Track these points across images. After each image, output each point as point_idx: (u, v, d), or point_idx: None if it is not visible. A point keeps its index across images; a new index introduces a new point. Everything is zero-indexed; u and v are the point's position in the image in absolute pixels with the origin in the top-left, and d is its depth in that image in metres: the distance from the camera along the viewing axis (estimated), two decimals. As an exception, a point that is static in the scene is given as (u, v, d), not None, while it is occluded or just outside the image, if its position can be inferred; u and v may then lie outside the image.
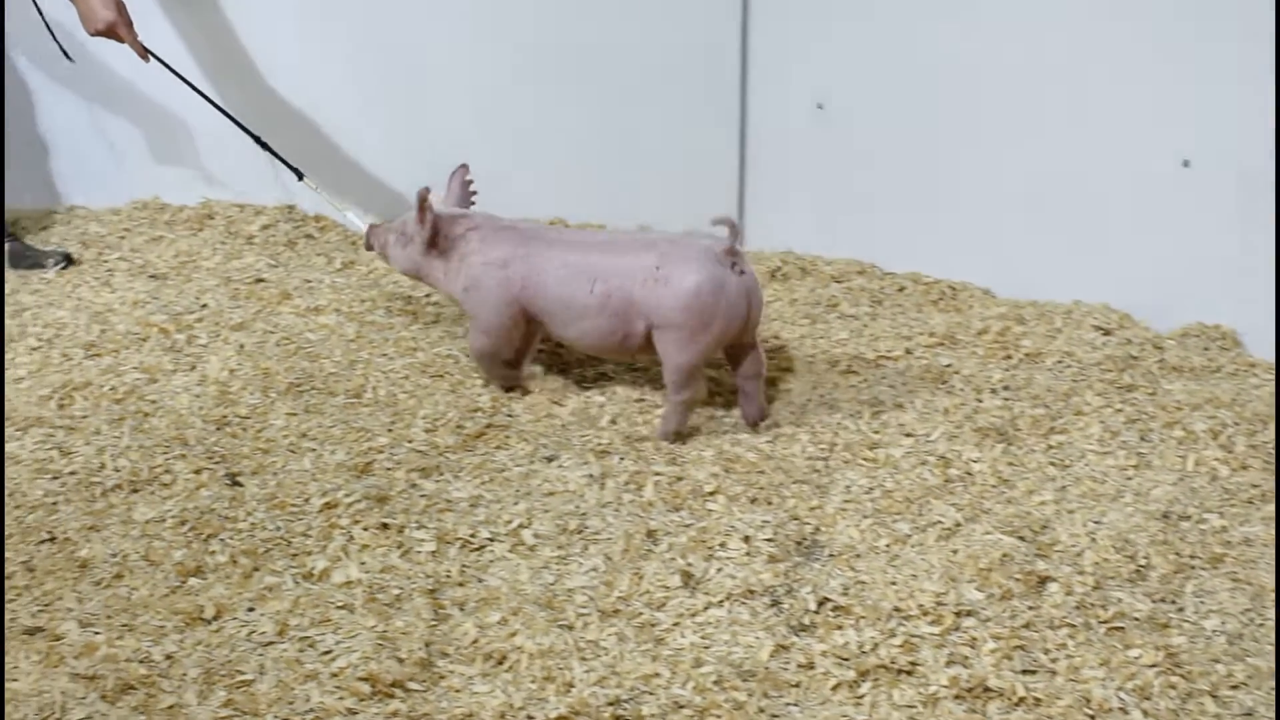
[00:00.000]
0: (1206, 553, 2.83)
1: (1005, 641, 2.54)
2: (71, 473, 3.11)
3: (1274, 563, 2.80)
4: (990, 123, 3.94)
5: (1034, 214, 3.96)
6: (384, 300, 3.98)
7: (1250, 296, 3.64)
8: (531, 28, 4.31)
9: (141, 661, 2.49)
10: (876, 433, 3.26)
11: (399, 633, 2.57)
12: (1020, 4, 3.82)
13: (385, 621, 2.60)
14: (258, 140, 4.12)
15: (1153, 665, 2.49)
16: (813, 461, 3.17)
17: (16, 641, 2.55)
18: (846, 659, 2.52)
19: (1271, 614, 2.64)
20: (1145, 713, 2.39)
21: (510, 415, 3.37)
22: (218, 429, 3.29)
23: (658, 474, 3.09)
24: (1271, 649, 2.54)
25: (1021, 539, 2.84)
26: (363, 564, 2.77)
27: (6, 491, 3.03)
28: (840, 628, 2.59)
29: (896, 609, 2.63)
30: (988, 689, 2.44)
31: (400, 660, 2.49)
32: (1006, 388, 3.45)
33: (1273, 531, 2.89)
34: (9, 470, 3.11)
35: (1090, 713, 2.40)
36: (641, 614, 2.64)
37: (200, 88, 4.16)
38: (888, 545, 2.85)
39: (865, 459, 3.16)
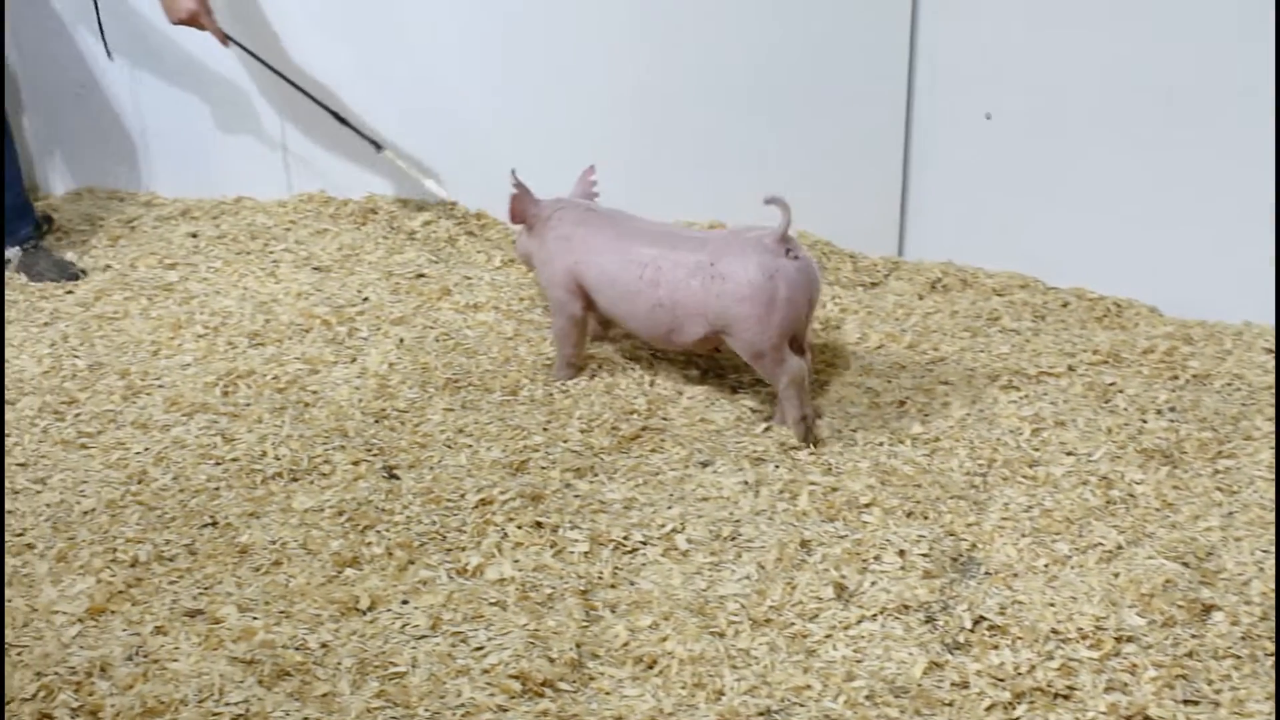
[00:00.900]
0: (1380, 588, 2.74)
1: (1167, 670, 2.47)
2: (234, 459, 3.16)
3: None
4: (1161, 137, 3.85)
5: (1204, 231, 3.86)
6: (542, 299, 4.00)
7: None
8: (696, 34, 4.30)
9: (298, 648, 2.52)
10: (1037, 450, 3.20)
11: (550, 632, 2.57)
12: (1193, 15, 3.72)
13: (537, 620, 2.60)
14: (336, 116, 4.32)
15: (1322, 702, 2.41)
16: (971, 477, 3.12)
17: (178, 623, 2.60)
18: (1002, 680, 2.47)
19: None
20: (1313, 751, 2.32)
21: (665, 419, 3.36)
22: (376, 421, 3.32)
23: (813, 484, 3.06)
24: None
25: (1185, 565, 2.76)
26: (516, 562, 2.78)
27: (172, 474, 3.10)
28: (996, 648, 2.54)
29: (1054, 631, 2.57)
30: (1148, 718, 2.38)
31: (551, 660, 2.49)
32: (1173, 409, 3.36)
33: None
34: (175, 453, 3.18)
35: (1255, 748, 2.33)
36: (794, 624, 2.62)
37: (279, 69, 4.36)
38: (1046, 565, 2.79)
39: (1025, 476, 3.11)
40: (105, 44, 4.54)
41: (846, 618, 2.63)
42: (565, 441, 3.23)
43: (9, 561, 2.80)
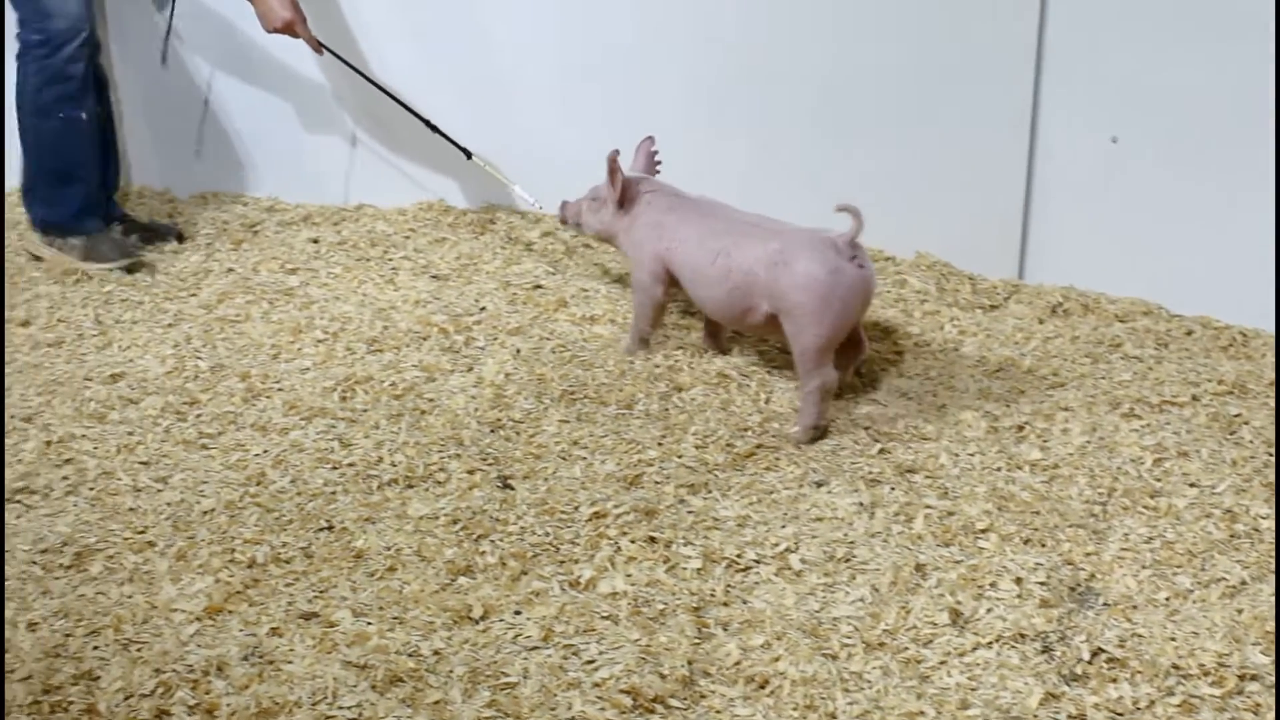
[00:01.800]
0: None
1: (1292, 710, 2.42)
2: (350, 464, 3.19)
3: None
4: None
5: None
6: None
7: None
8: (819, 52, 4.29)
9: (410, 655, 2.54)
10: (1158, 480, 3.14)
11: (662, 648, 2.56)
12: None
13: (649, 635, 2.59)
14: (428, 123, 4.42)
15: None
16: (1090, 505, 3.07)
17: (293, 625, 2.62)
18: (1120, 714, 2.42)
19: None
20: None
21: (780, 437, 3.34)
22: (491, 431, 3.34)
23: (929, 507, 3.03)
24: None
25: (1312, 603, 2.70)
26: (629, 576, 2.78)
27: (290, 477, 3.13)
28: (1115, 681, 2.50)
29: (1175, 666, 2.52)
30: (1271, 759, 2.33)
31: (663, 676, 2.48)
32: (1300, 443, 3.30)
33: None
34: (293, 457, 3.22)
35: (1383, 794, 2.27)
36: (907, 649, 2.59)
37: (371, 76, 4.49)
38: (1167, 599, 2.73)
39: (1146, 507, 3.05)
40: (165, 51, 4.70)
41: (961, 644, 2.60)
42: (680, 457, 3.22)
43: (130, 558, 2.85)
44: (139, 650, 2.55)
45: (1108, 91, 4.03)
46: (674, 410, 3.45)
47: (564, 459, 3.22)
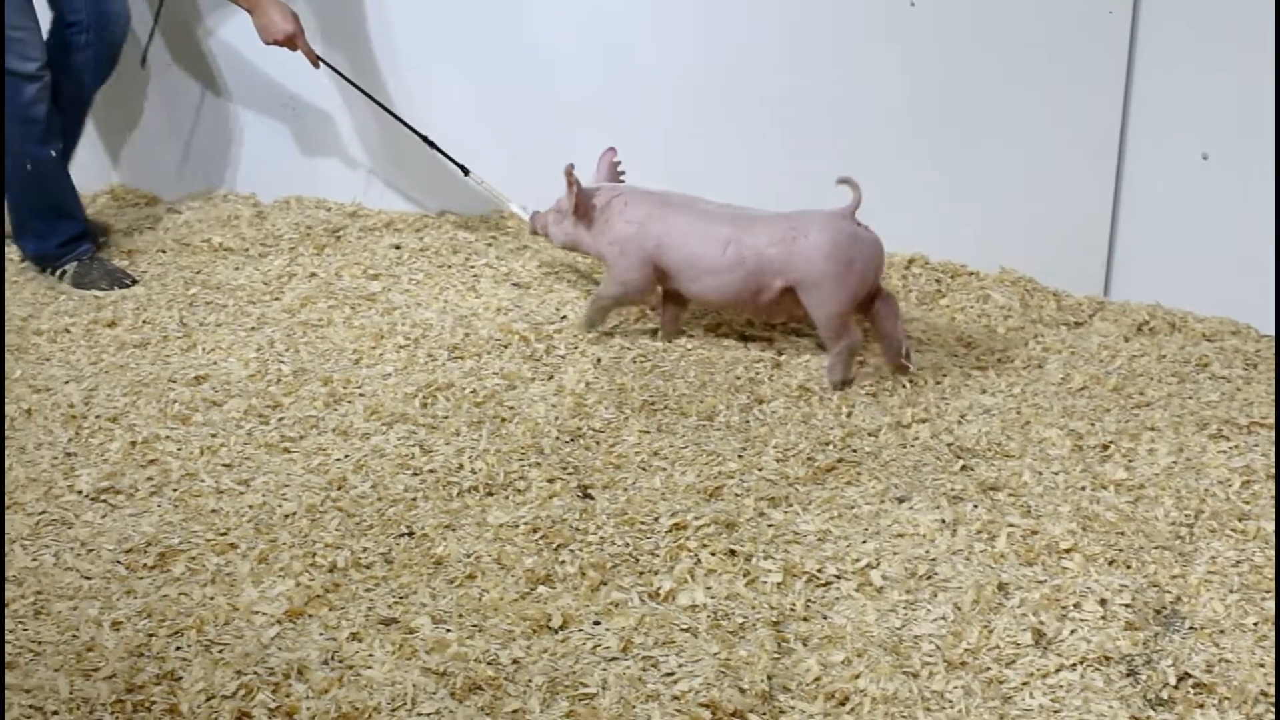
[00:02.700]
0: None
1: (1385, 741, 2.37)
2: (431, 470, 3.20)
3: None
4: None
5: None
6: (739, 325, 3.99)
7: None
8: (902, 67, 4.27)
9: (489, 663, 2.54)
10: (1247, 503, 3.09)
11: (742, 662, 2.55)
12: None
13: (728, 649, 2.58)
14: (425, 139, 4.47)
15: None
16: (1176, 527, 3.02)
17: (373, 630, 2.63)
18: (1207, 741, 2.39)
19: None
20: None
21: (867, 451, 3.31)
22: (571, 440, 3.34)
23: (1012, 525, 2.99)
24: None
25: (1406, 632, 2.65)
26: (708, 589, 2.77)
27: (371, 482, 3.14)
28: (1201, 706, 2.46)
29: (1264, 694, 2.47)
30: (1363, 790, 2.28)
31: (742, 690, 2.46)
32: (1393, 468, 3.24)
33: None
34: (374, 462, 3.23)
35: None
36: (989, 669, 2.56)
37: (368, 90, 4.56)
38: (1255, 624, 2.69)
39: (1234, 530, 3.00)
40: (145, 52, 4.81)
41: (1045, 666, 2.57)
42: (760, 470, 3.20)
43: (212, 559, 2.87)
44: (221, 652, 2.56)
45: (1198, 107, 3.98)
46: (755, 422, 3.44)
47: (644, 469, 3.21)
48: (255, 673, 2.49)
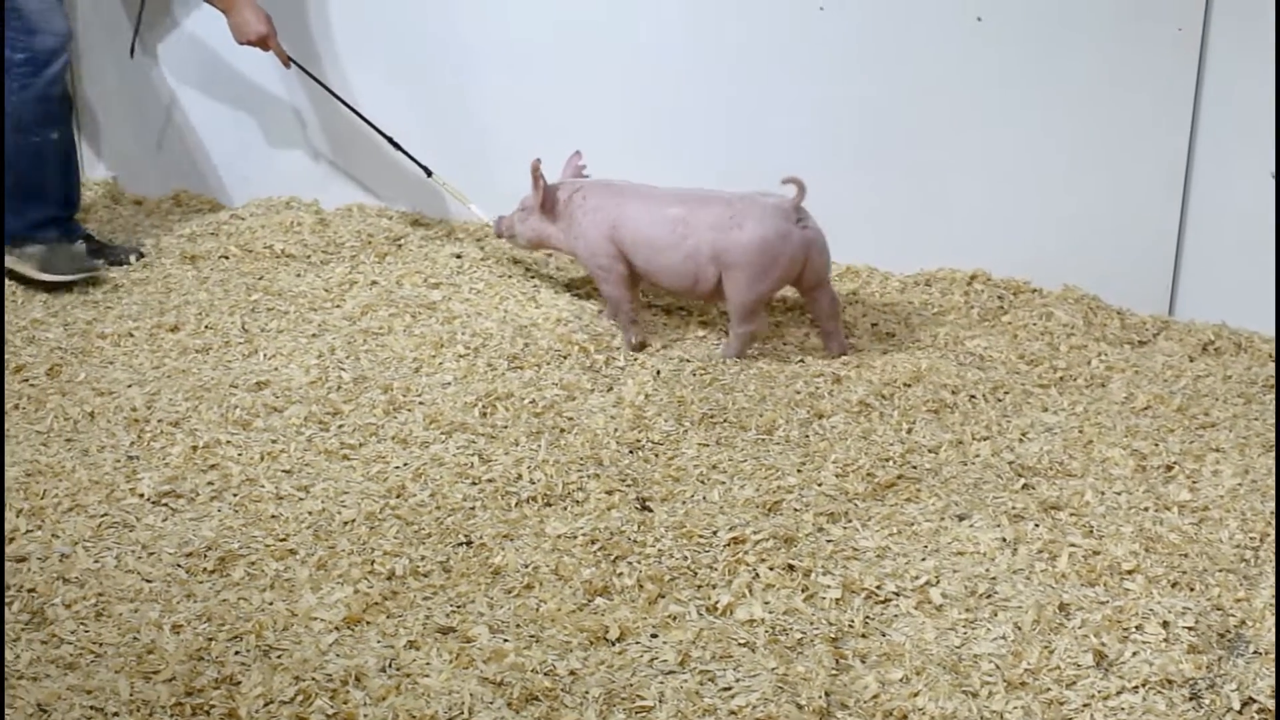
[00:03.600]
0: None
1: None
2: (489, 480, 3.20)
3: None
4: None
5: None
6: (796, 339, 3.98)
7: None
8: (971, 84, 4.25)
9: (547, 674, 2.53)
10: (1313, 527, 3.06)
11: (799, 678, 2.53)
12: None
13: (786, 665, 2.56)
14: (390, 140, 4.59)
15: None
16: (1241, 550, 2.99)
17: (431, 638, 2.63)
18: (1272, 767, 2.36)
19: None
20: None
21: (928, 468, 3.29)
22: (630, 452, 3.33)
23: (1073, 545, 2.96)
24: None
25: None
26: (767, 604, 2.75)
27: (430, 491, 3.15)
28: (1266, 732, 2.43)
29: (1330, 720, 2.45)
30: None
31: (799, 706, 2.45)
32: None
33: None
34: (433, 470, 3.24)
35: None
36: (1050, 690, 2.53)
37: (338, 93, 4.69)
38: (1322, 650, 2.66)
39: (1300, 554, 2.97)
40: (134, 44, 4.92)
41: (1106, 688, 2.54)
42: (819, 485, 3.19)
43: (271, 565, 2.88)
44: (279, 657, 2.57)
45: (1267, 125, 3.94)
46: (814, 437, 3.42)
47: (703, 482, 3.20)
48: (313, 679, 2.49)
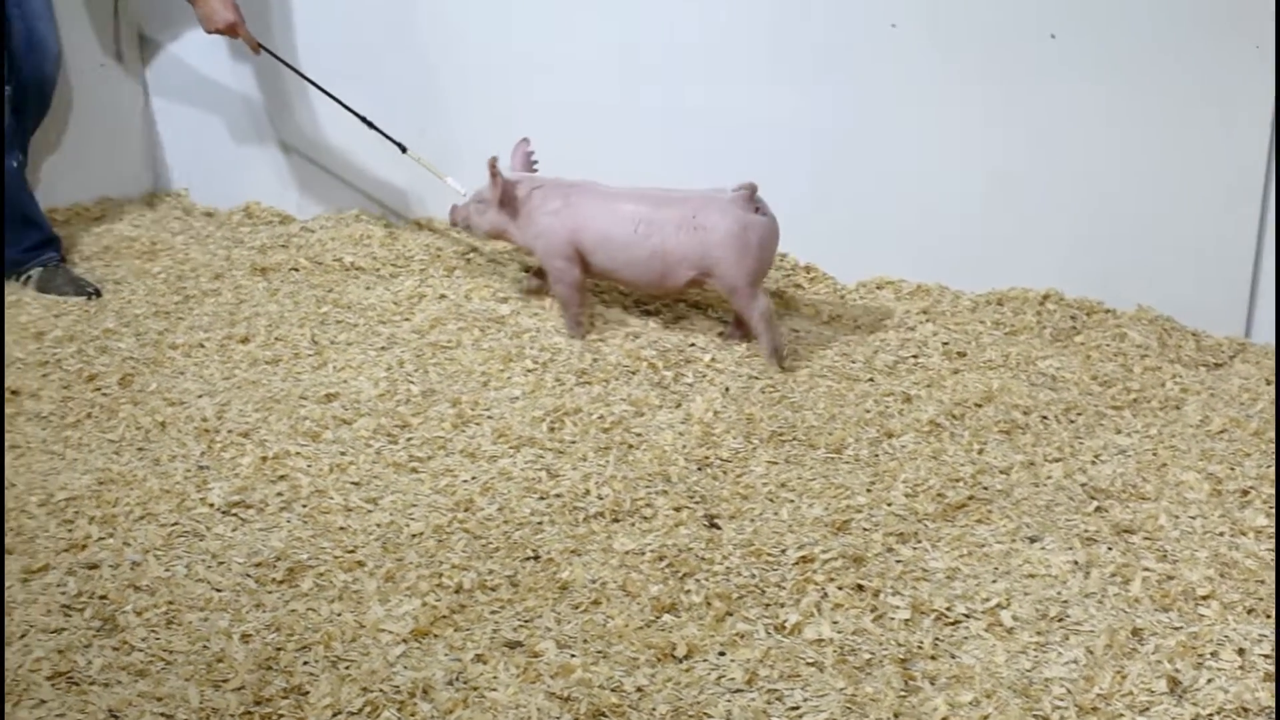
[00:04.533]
0: None
1: None
2: (557, 495, 3.20)
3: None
4: None
5: None
6: (867, 357, 3.95)
7: None
8: (1043, 99, 4.22)
9: (614, 690, 2.52)
10: (1393, 555, 3.01)
11: (868, 698, 2.51)
12: None
13: (854, 685, 2.54)
14: (364, 119, 4.66)
15: None
16: (1318, 577, 2.94)
17: (498, 652, 2.62)
18: (1351, 799, 2.31)
19: None
20: None
21: (999, 489, 3.26)
22: (699, 469, 3.32)
23: (1147, 570, 2.92)
24: None
25: None
26: (835, 623, 2.73)
27: (498, 505, 3.15)
28: (1345, 763, 2.39)
29: None
30: None
31: (868, 727, 2.43)
32: None
33: None
34: (501, 484, 3.23)
35: None
36: (1123, 716, 2.49)
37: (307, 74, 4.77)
38: (1402, 680, 2.60)
39: (1379, 582, 2.92)
40: (118, 46, 5.07)
41: (1180, 715, 2.50)
42: (889, 505, 3.16)
43: (340, 576, 2.88)
44: (347, 668, 2.57)
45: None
46: (884, 456, 3.40)
47: (771, 500, 3.19)
48: (381, 690, 2.49)
